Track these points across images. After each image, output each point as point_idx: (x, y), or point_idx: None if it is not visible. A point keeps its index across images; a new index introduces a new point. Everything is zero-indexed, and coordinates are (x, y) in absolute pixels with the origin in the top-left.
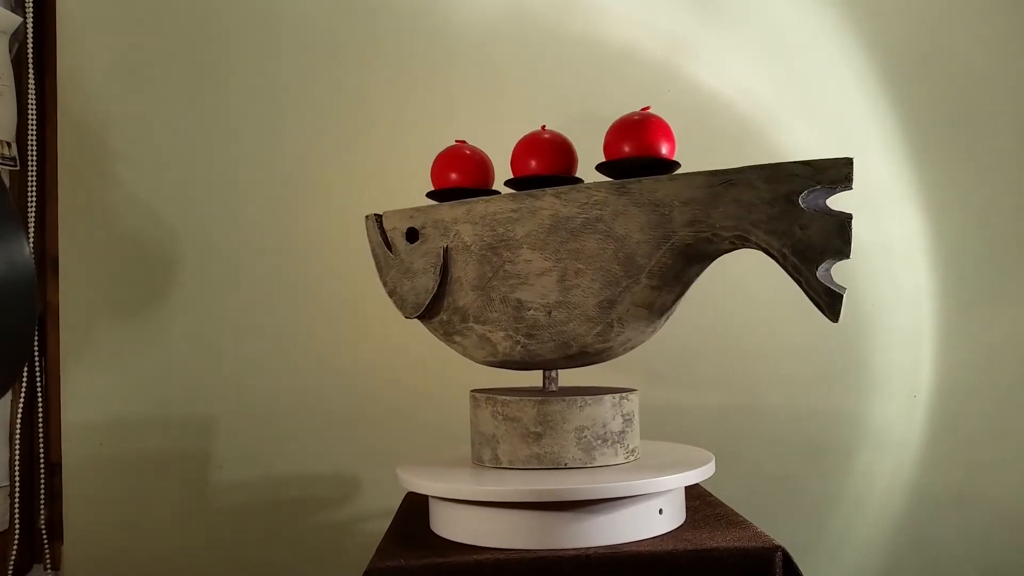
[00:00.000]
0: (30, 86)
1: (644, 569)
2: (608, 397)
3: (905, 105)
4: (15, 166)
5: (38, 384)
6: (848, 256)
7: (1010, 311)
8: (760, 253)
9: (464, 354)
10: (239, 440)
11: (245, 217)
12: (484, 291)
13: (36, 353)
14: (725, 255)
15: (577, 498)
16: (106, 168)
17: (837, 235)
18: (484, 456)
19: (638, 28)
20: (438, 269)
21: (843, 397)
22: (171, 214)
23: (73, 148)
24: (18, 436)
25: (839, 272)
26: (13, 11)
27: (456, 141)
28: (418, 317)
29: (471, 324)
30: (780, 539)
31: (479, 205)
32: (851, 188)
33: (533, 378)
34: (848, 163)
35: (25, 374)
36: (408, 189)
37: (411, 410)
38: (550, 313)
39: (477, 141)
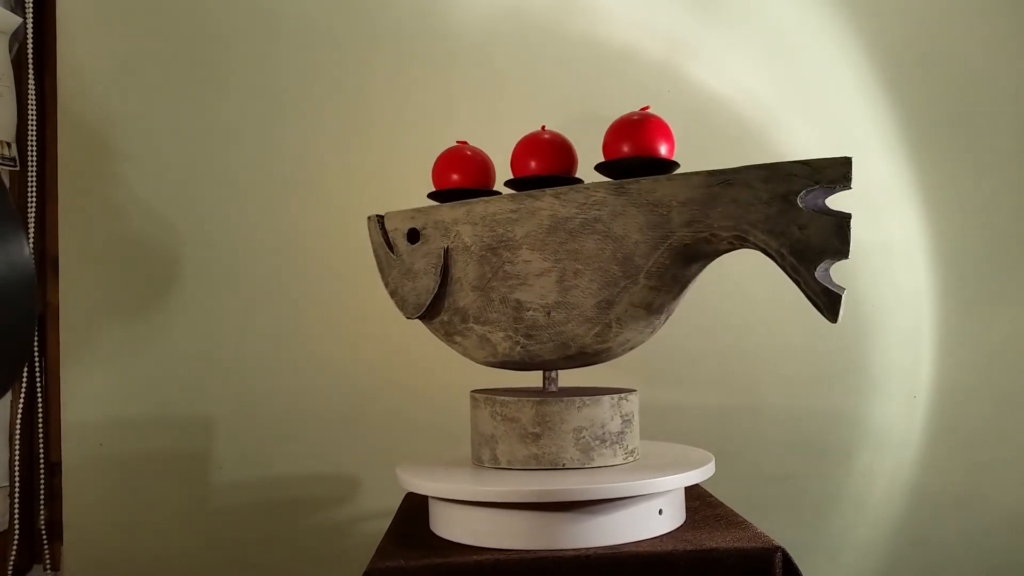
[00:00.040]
0: (30, 86)
1: (644, 569)
2: (606, 398)
3: (905, 105)
4: (15, 166)
5: (38, 384)
6: (847, 256)
7: (1010, 311)
8: (760, 253)
9: (464, 354)
10: (239, 440)
11: (245, 217)
12: (484, 292)
13: (36, 353)
14: (725, 255)
15: (577, 499)
16: (106, 168)
17: (836, 235)
18: (483, 456)
19: (638, 28)
20: (439, 270)
21: (843, 397)
22: (171, 214)
23: (73, 148)
24: (18, 436)
25: (838, 272)
26: (13, 11)
27: (457, 142)
28: (419, 318)
29: (471, 324)
30: (780, 539)
31: (479, 206)
32: (850, 188)
33: (534, 379)
34: (846, 162)
35: (25, 374)
36: (408, 190)
37: (411, 410)
38: (549, 314)
39: (477, 141)
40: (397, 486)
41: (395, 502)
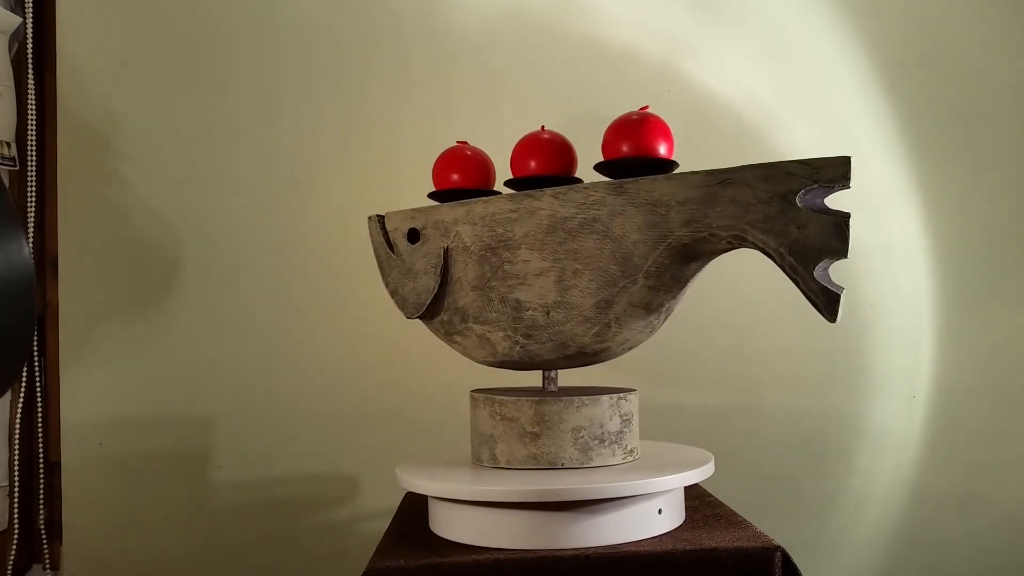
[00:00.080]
0: (30, 86)
1: (643, 569)
2: (605, 398)
3: (905, 105)
4: (15, 166)
5: (37, 384)
6: (846, 256)
7: (1010, 311)
8: (760, 253)
9: (464, 354)
10: (239, 440)
11: (245, 217)
12: (483, 291)
13: (36, 353)
14: (725, 255)
15: (576, 498)
16: (106, 168)
17: (834, 235)
18: (483, 456)
19: (638, 28)
20: (439, 270)
21: (843, 397)
22: (171, 214)
23: (73, 148)
24: (17, 436)
25: (838, 272)
26: (13, 11)
27: (457, 142)
28: (419, 317)
29: (471, 324)
30: (779, 539)
31: (478, 206)
32: (849, 187)
33: (535, 378)
34: (845, 162)
35: (24, 374)
36: (409, 189)
37: (411, 410)
38: (548, 313)
39: (477, 141)
40: (397, 486)
41: (395, 502)
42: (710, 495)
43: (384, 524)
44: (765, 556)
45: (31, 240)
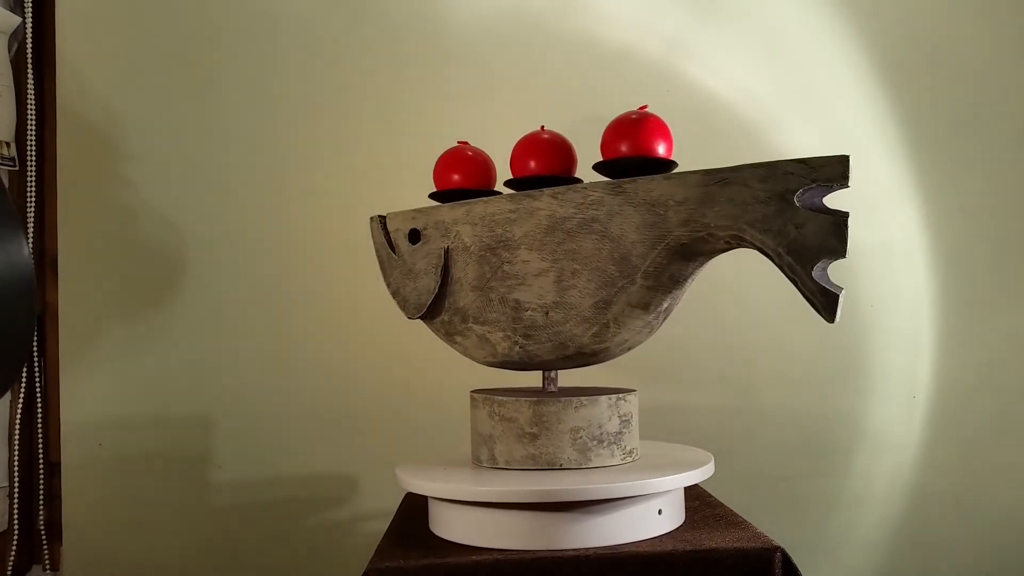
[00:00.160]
0: (29, 86)
1: (643, 570)
2: (604, 398)
3: (905, 105)
4: (14, 166)
5: (37, 384)
6: (844, 256)
7: (1009, 311)
8: (759, 253)
9: (465, 354)
10: (239, 440)
11: (245, 217)
12: (483, 292)
13: (35, 353)
14: (725, 255)
15: (576, 499)
16: (105, 168)
17: (833, 234)
18: (482, 456)
19: (636, 28)
20: (439, 270)
21: (842, 398)
22: (171, 214)
23: (72, 148)
24: (17, 436)
25: (837, 272)
26: (12, 11)
27: (458, 142)
28: (420, 318)
29: (471, 324)
30: (779, 539)
31: (478, 206)
32: (848, 186)
33: (536, 379)
34: (844, 161)
35: (24, 374)
36: (408, 190)
37: (411, 410)
38: (547, 314)
39: (477, 142)
40: (397, 486)
41: (394, 502)
42: (710, 495)
43: (384, 524)
44: (765, 557)
45: (31, 240)
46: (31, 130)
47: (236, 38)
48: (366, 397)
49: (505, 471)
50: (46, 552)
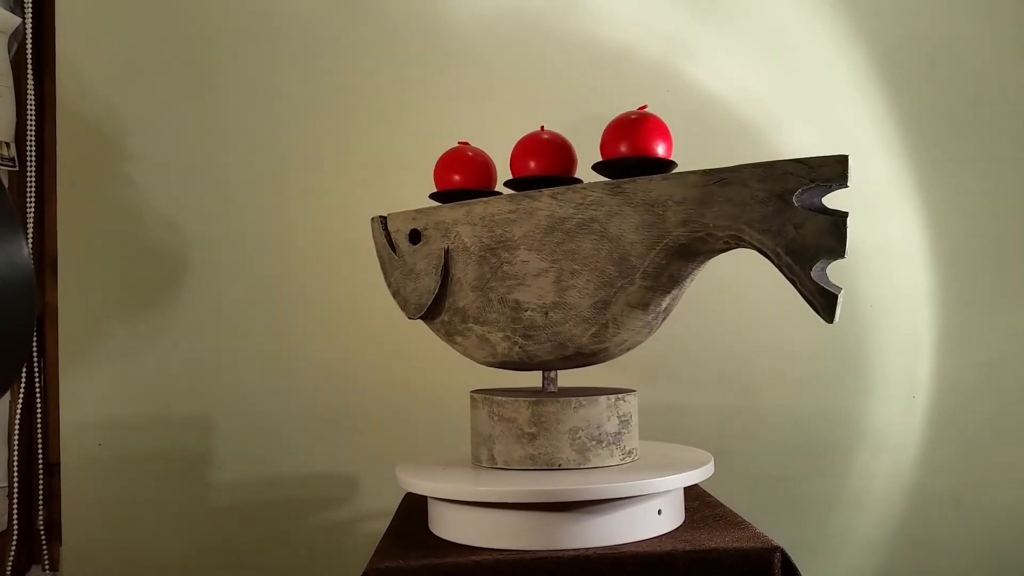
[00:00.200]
0: (29, 86)
1: (643, 570)
2: (603, 398)
3: (904, 105)
4: (14, 167)
5: (37, 384)
6: (843, 256)
7: (1009, 312)
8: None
9: (465, 354)
10: (238, 440)
11: (244, 217)
12: (483, 292)
13: (35, 353)
14: (725, 255)
15: (576, 499)
16: (105, 169)
17: (831, 234)
18: (481, 456)
19: (636, 28)
20: (439, 270)
21: (842, 398)
22: (170, 214)
23: (72, 149)
24: (17, 436)
25: (836, 272)
26: (12, 11)
27: (459, 143)
28: (421, 318)
29: (471, 325)
30: (779, 539)
31: (478, 206)
32: (847, 186)
33: (537, 379)
34: (843, 160)
35: (24, 374)
36: (408, 190)
37: (411, 410)
38: (547, 314)
39: (476, 142)
40: (396, 486)
41: (394, 502)
42: (709, 496)
43: (383, 524)
44: (765, 557)
45: (30, 240)
46: (31, 130)
47: (236, 38)
48: (366, 397)
49: (504, 471)
50: (45, 552)
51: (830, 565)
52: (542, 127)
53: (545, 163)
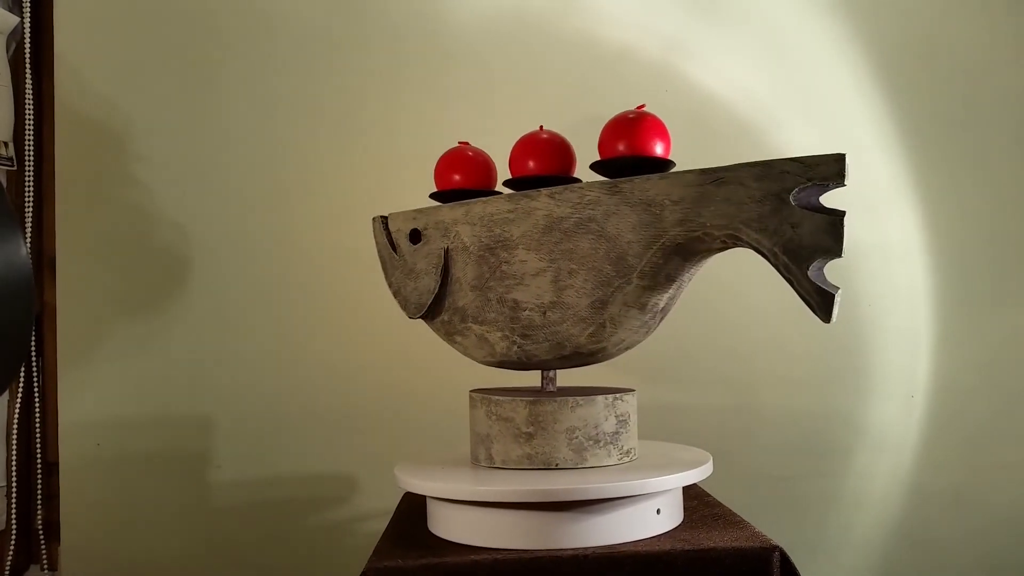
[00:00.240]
0: (27, 86)
1: (642, 569)
2: (600, 398)
3: (903, 104)
4: (12, 166)
5: (35, 384)
6: (840, 255)
7: (1008, 311)
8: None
9: (465, 354)
10: (238, 440)
11: (244, 217)
12: (482, 291)
13: (33, 353)
14: (723, 255)
15: (574, 498)
16: (103, 168)
17: (828, 233)
18: (480, 456)
19: (636, 28)
20: (439, 270)
21: (841, 398)
22: (169, 214)
23: (70, 148)
24: (15, 436)
25: (835, 272)
26: (11, 11)
27: (459, 142)
28: (421, 317)
29: (470, 324)
30: (778, 539)
31: (477, 206)
32: (844, 185)
33: (536, 379)
34: (840, 159)
35: (22, 374)
36: (408, 190)
37: (411, 410)
38: (545, 313)
39: (476, 142)
40: (395, 486)
41: (393, 502)
42: (708, 495)
43: (383, 524)
44: (763, 556)
45: (29, 240)
46: (29, 130)
47: (236, 38)
48: (366, 397)
49: (502, 471)
50: (44, 552)
51: (829, 565)
52: (541, 127)
53: (544, 163)
